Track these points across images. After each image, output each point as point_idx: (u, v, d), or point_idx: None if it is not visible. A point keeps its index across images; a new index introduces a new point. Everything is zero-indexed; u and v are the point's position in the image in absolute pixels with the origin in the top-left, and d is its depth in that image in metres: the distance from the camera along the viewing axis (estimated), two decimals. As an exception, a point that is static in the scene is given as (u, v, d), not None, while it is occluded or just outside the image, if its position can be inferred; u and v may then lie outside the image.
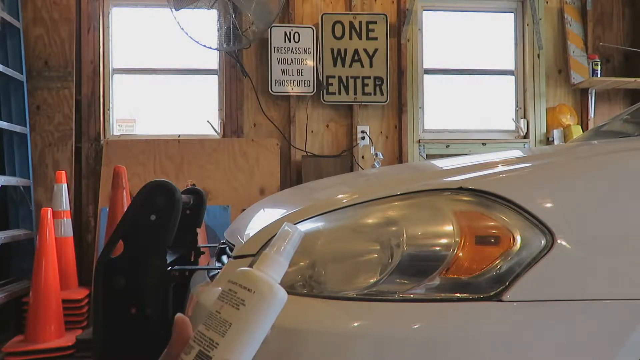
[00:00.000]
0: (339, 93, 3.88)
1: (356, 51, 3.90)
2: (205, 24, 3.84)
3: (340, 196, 1.14)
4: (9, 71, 3.36)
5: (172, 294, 1.32)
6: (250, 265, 0.55)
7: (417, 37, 4.05)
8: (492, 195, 0.93)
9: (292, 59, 3.85)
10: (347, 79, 3.89)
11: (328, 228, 1.04)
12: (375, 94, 3.90)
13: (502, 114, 4.29)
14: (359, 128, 3.92)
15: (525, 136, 4.11)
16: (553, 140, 4.00)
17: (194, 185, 3.52)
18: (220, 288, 0.54)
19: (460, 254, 0.91)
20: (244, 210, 1.79)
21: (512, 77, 4.21)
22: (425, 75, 4.10)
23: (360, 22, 3.91)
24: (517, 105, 4.19)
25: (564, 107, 4.07)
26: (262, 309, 0.50)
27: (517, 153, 1.55)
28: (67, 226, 3.18)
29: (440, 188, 1.01)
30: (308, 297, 0.96)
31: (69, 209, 3.24)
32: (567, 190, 0.96)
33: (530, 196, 0.94)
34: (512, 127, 4.19)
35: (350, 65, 3.90)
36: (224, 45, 3.75)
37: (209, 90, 4.01)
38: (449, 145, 4.00)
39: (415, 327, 0.88)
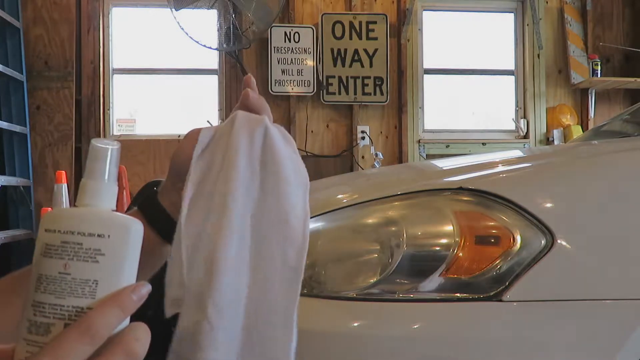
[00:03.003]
0: (339, 93, 3.88)
1: (356, 51, 3.90)
2: (205, 24, 3.84)
3: (340, 196, 1.14)
4: (9, 71, 3.36)
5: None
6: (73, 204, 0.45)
7: (417, 37, 4.05)
8: (492, 195, 0.93)
9: (292, 59, 3.84)
10: (347, 79, 3.89)
11: (328, 228, 1.04)
12: (375, 94, 3.90)
13: (502, 114, 4.29)
14: (359, 128, 3.92)
15: (525, 136, 4.11)
16: (553, 140, 4.00)
17: (194, 185, 3.52)
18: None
19: (460, 254, 0.91)
20: (244, 210, 1.78)
21: (512, 77, 4.21)
22: (425, 75, 4.09)
23: (360, 22, 3.91)
24: (517, 105, 4.19)
25: (564, 107, 4.07)
26: (127, 252, 0.42)
27: (517, 153, 1.55)
28: (67, 226, 3.18)
29: (440, 188, 1.01)
30: (308, 297, 0.96)
31: (69, 209, 3.24)
32: (567, 190, 0.96)
33: (530, 196, 0.94)
34: (512, 127, 4.19)
35: (350, 65, 3.90)
36: (224, 45, 3.75)
37: (209, 90, 4.01)
38: (449, 145, 4.00)
39: (415, 327, 0.88)
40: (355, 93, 3.89)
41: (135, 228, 0.43)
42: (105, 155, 0.44)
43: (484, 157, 1.44)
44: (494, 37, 4.27)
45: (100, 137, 3.77)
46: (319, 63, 3.87)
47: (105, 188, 0.44)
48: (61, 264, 0.41)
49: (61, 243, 0.41)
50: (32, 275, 0.42)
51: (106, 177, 0.44)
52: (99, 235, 0.41)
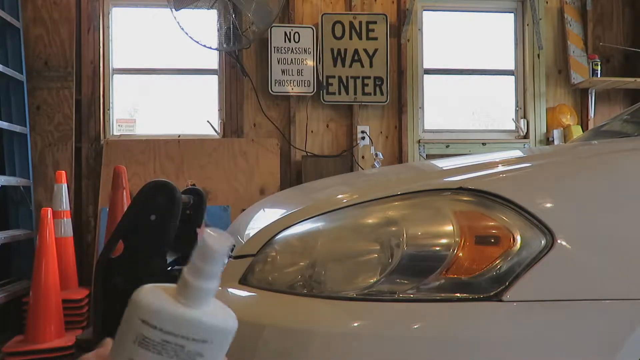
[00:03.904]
0: (339, 93, 3.88)
1: (356, 51, 3.90)
2: (205, 24, 3.84)
3: (340, 196, 1.14)
4: (9, 71, 3.36)
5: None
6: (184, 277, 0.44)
7: (417, 37, 4.05)
8: (492, 195, 0.93)
9: (292, 59, 3.84)
10: (347, 79, 3.89)
11: (328, 228, 1.04)
12: (375, 94, 3.90)
13: (502, 114, 4.29)
14: (359, 128, 3.92)
15: (525, 136, 4.11)
16: (553, 140, 4.00)
17: (194, 185, 3.52)
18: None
19: (460, 254, 0.91)
20: (244, 210, 1.79)
21: (512, 77, 4.21)
22: (425, 75, 4.09)
23: (360, 22, 3.91)
24: (517, 105, 4.19)
25: (564, 107, 4.07)
26: (222, 353, 0.44)
27: (517, 153, 1.55)
28: (67, 226, 3.18)
29: (440, 188, 1.01)
30: (308, 297, 0.96)
31: (69, 209, 3.24)
32: (567, 190, 0.96)
33: (530, 196, 0.94)
34: (512, 127, 4.19)
35: (350, 65, 3.90)
36: (224, 45, 3.75)
37: (209, 90, 4.01)
38: (449, 145, 4.00)
39: (415, 327, 0.88)
40: (355, 93, 3.89)
41: (234, 329, 0.44)
42: (218, 257, 0.43)
43: (484, 157, 1.44)
44: (494, 37, 4.27)
45: (100, 137, 3.76)
46: (319, 63, 3.87)
47: (212, 290, 0.44)
48: (157, 359, 0.41)
49: (162, 341, 0.41)
50: (118, 350, 0.42)
51: (213, 278, 0.43)
52: (202, 341, 0.42)
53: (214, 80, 3.99)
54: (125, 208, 2.78)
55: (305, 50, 3.86)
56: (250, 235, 1.13)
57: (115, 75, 3.95)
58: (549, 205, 0.93)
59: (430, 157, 3.94)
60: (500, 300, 0.86)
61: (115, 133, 3.91)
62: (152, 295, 0.43)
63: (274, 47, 3.83)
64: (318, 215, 1.05)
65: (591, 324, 0.85)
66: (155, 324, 0.42)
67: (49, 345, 2.66)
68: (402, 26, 3.96)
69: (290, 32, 3.85)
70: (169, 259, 1.38)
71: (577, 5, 4.14)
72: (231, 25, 3.67)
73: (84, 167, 3.74)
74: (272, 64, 3.83)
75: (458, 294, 0.90)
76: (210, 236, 0.42)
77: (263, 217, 1.28)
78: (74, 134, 3.69)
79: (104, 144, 3.70)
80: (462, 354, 0.86)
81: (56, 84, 3.67)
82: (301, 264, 1.01)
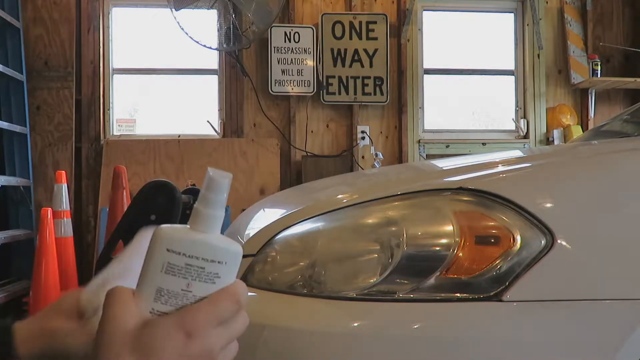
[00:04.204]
0: (339, 93, 3.88)
1: (356, 51, 3.90)
2: (205, 24, 3.84)
3: (340, 196, 1.14)
4: (9, 71, 3.35)
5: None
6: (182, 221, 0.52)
7: (417, 37, 4.05)
8: (492, 195, 0.93)
9: (292, 59, 3.84)
10: (347, 79, 3.89)
11: (328, 228, 1.04)
12: (375, 94, 3.90)
13: (502, 114, 4.29)
14: (359, 128, 3.92)
15: (525, 136, 4.11)
16: (553, 140, 4.00)
17: (194, 185, 3.52)
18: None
19: (460, 254, 0.91)
20: (244, 210, 1.79)
21: (512, 77, 4.21)
22: (425, 75, 4.09)
23: (360, 22, 3.91)
24: (517, 105, 4.19)
25: (564, 107, 4.07)
26: (234, 274, 0.52)
27: (517, 153, 1.56)
28: (67, 226, 3.17)
29: (440, 188, 1.01)
30: (308, 297, 0.96)
31: (69, 209, 3.23)
32: (567, 190, 0.96)
33: (530, 196, 0.94)
34: (512, 127, 4.19)
35: (350, 65, 3.90)
36: (224, 45, 3.75)
37: (209, 90, 4.01)
38: (449, 145, 4.00)
39: (415, 327, 0.88)
40: (355, 93, 3.89)
41: (241, 252, 0.51)
42: (222, 187, 0.49)
43: (484, 157, 1.44)
44: (494, 37, 4.27)
45: (100, 137, 3.77)
46: (319, 63, 3.86)
47: (219, 217, 0.50)
48: (184, 282, 0.48)
49: (185, 265, 0.48)
50: (145, 282, 0.48)
51: (220, 206, 0.50)
52: (218, 262, 0.49)
53: (214, 80, 3.99)
54: (125, 208, 2.78)
55: (305, 50, 3.85)
56: (250, 235, 1.13)
57: (115, 75, 3.95)
58: (549, 205, 0.93)
59: (430, 157, 3.94)
60: (500, 300, 0.86)
61: (115, 133, 3.91)
62: (173, 228, 0.50)
63: (274, 47, 3.83)
64: (318, 215, 1.05)
65: (591, 324, 0.85)
66: (179, 250, 0.48)
67: (49, 345, 2.66)
68: (402, 26, 3.96)
69: (290, 32, 3.85)
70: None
71: (577, 5, 4.14)
72: (231, 25, 3.67)
73: (84, 167, 3.74)
74: (272, 64, 3.83)
75: (458, 294, 0.90)
76: (212, 171, 0.49)
77: (263, 217, 1.28)
78: (74, 134, 3.69)
79: (104, 144, 3.70)
80: (462, 354, 0.86)
81: (56, 84, 3.67)
82: (301, 264, 1.01)
